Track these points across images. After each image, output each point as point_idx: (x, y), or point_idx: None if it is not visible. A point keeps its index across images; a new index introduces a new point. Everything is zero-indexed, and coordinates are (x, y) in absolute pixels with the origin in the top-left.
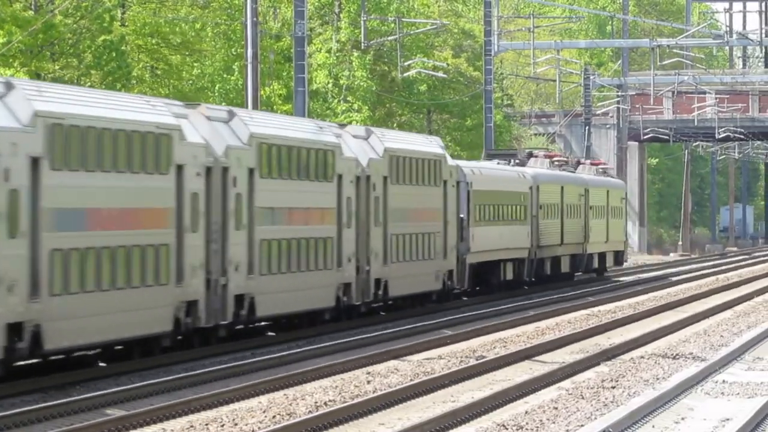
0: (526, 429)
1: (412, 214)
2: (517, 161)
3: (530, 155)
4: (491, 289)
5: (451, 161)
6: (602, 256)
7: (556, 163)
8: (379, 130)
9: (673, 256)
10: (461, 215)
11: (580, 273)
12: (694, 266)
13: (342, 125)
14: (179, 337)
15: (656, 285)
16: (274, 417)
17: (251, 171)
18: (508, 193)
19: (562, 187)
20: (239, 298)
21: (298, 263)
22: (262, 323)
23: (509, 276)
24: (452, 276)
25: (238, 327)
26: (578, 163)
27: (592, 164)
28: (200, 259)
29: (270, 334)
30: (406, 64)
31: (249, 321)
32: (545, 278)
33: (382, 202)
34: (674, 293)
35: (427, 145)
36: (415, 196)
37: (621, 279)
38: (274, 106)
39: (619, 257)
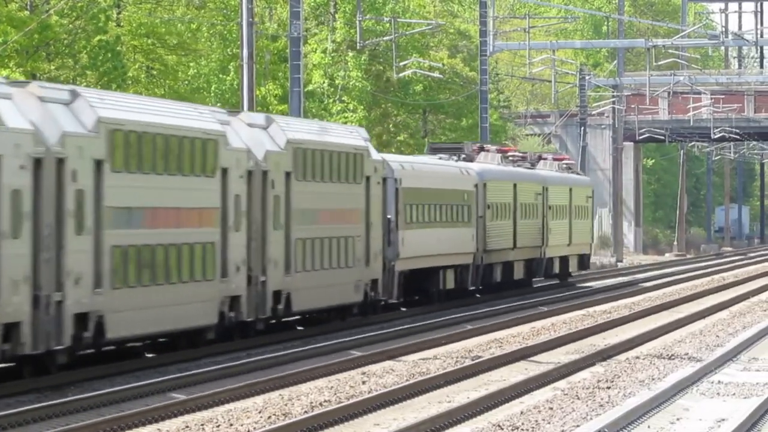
0: (522, 429)
1: (325, 216)
2: (463, 156)
3: (481, 149)
4: (431, 299)
5: (376, 155)
6: (564, 260)
7: (511, 158)
8: (284, 119)
9: (668, 256)
10: (388, 216)
11: (539, 279)
12: (689, 266)
13: (234, 111)
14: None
15: (651, 285)
16: (269, 417)
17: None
18: (448, 191)
19: (515, 185)
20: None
21: (166, 274)
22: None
23: (450, 284)
24: (377, 286)
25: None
26: (539, 158)
27: (555, 159)
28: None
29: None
30: (401, 64)
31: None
32: (495, 286)
33: (283, 202)
34: (670, 293)
35: (346, 136)
36: (328, 195)
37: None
38: (270, 107)
39: (584, 261)
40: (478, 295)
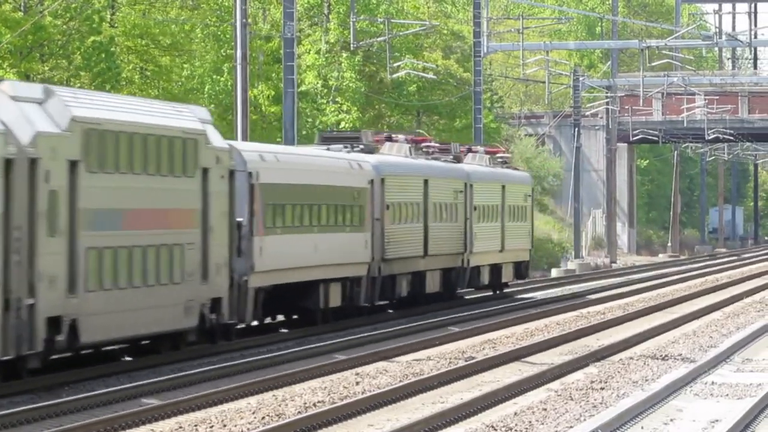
0: (515, 430)
1: (134, 219)
2: (361, 147)
3: (389, 139)
4: (313, 320)
5: (220, 142)
6: (495, 269)
7: (425, 149)
8: (73, 91)
9: (662, 257)
10: (238, 219)
11: (470, 291)
12: (683, 267)
13: None
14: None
15: (645, 286)
16: (263, 418)
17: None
18: (331, 188)
19: (427, 181)
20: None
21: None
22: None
23: (335, 301)
24: (220, 306)
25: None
26: (469, 150)
27: (487, 152)
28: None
29: None
30: (395, 65)
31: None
32: (401, 301)
33: (65, 200)
34: (663, 294)
35: (172, 116)
36: (139, 192)
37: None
38: (262, 108)
39: (521, 269)
40: (390, 311)
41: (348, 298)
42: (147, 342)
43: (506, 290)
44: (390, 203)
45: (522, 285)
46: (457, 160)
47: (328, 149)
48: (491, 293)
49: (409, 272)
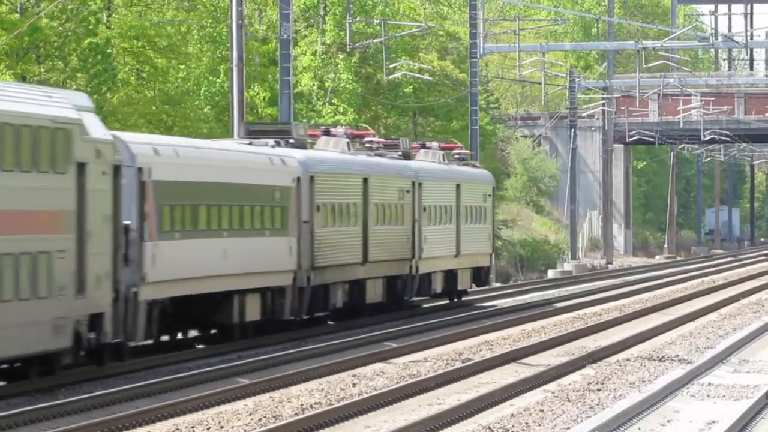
0: (512, 431)
1: None
2: (291, 141)
3: (326, 133)
4: (228, 335)
5: (101, 133)
6: (450, 275)
7: (367, 145)
8: None
9: (658, 259)
10: (125, 222)
11: (425, 299)
12: (679, 268)
13: None
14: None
15: (642, 287)
16: (260, 420)
17: None
18: (245, 187)
19: (366, 180)
20: None
21: None
22: None
23: (253, 315)
24: (102, 323)
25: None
26: (423, 146)
27: (443, 148)
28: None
29: None
30: (391, 66)
31: None
32: (338, 313)
33: None
34: (660, 296)
35: (39, 102)
36: None
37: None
38: (258, 109)
39: (481, 276)
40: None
41: (270, 311)
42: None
43: (466, 298)
44: (321, 204)
45: (491, 291)
46: (406, 156)
47: (251, 143)
48: (448, 302)
49: (345, 281)
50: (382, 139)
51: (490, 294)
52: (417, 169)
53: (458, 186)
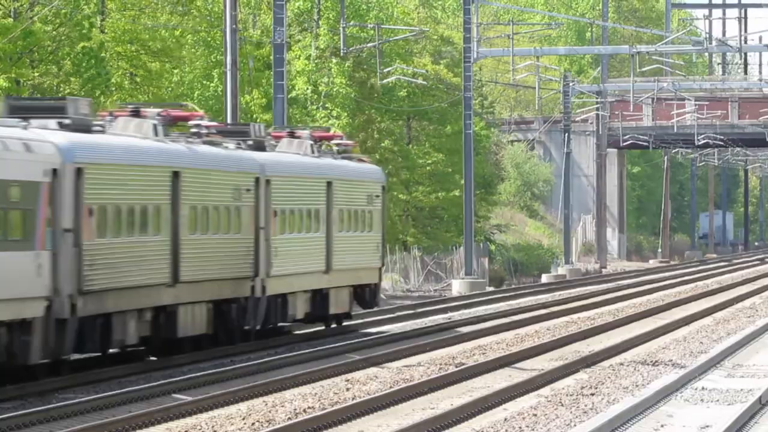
0: None
1: None
2: (68, 123)
3: (135, 114)
4: None
5: None
6: (319, 296)
7: (196, 130)
8: None
9: (652, 263)
10: None
11: (287, 325)
12: (673, 273)
13: None
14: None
15: (635, 292)
16: (253, 424)
17: None
18: None
19: (177, 174)
20: None
21: None
22: None
23: None
24: None
25: None
26: (291, 134)
27: (316, 137)
28: None
29: None
30: (385, 70)
31: None
32: (131, 352)
33: None
34: (653, 300)
35: None
36: None
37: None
38: (254, 115)
39: (366, 295)
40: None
41: (11, 355)
42: None
43: (350, 322)
44: (95, 205)
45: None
46: (259, 146)
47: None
48: (320, 328)
49: (143, 308)
50: (214, 123)
51: (481, 299)
52: (264, 162)
53: (329, 184)
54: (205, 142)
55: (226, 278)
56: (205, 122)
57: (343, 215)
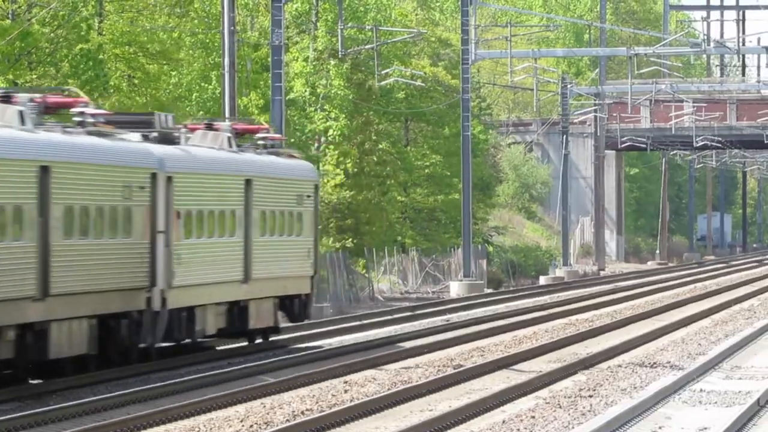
0: None
1: None
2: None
3: (6, 99)
4: None
5: None
6: (237, 309)
7: (80, 118)
8: None
9: (650, 265)
10: None
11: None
12: (671, 275)
13: None
14: None
15: (634, 293)
16: (251, 426)
17: None
18: None
19: (46, 170)
20: None
21: None
22: None
23: None
24: None
25: None
26: (208, 126)
27: (238, 129)
28: None
29: None
30: (383, 72)
31: None
32: None
33: None
34: (652, 302)
35: None
36: None
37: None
38: (252, 116)
39: (295, 307)
40: None
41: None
42: None
43: (278, 337)
44: None
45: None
46: (166, 139)
47: None
48: (248, 343)
49: (3, 326)
50: (103, 111)
51: (479, 301)
52: (164, 157)
53: (249, 182)
54: (90, 133)
55: (112, 289)
56: (90, 110)
57: (265, 217)
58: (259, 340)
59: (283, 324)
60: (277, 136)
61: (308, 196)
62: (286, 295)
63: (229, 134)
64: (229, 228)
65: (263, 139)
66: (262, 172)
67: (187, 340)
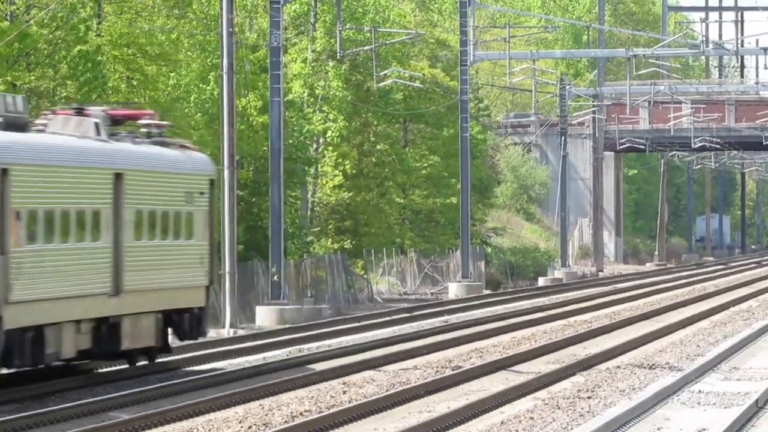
0: None
1: None
2: None
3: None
4: None
5: None
6: (107, 326)
7: None
8: None
9: (649, 266)
10: None
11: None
12: (670, 276)
13: None
14: None
15: (632, 295)
16: (249, 427)
17: None
18: None
19: None
20: None
21: None
22: None
23: None
24: None
25: None
26: (79, 111)
27: (110, 115)
28: None
29: None
30: (381, 74)
31: None
32: None
33: None
34: (650, 303)
35: None
36: None
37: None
38: (250, 117)
39: (186, 324)
40: None
41: None
42: None
43: (170, 357)
44: None
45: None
46: (11, 124)
47: None
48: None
49: None
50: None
51: (478, 302)
52: (1, 147)
53: (119, 176)
54: None
55: None
56: None
57: (142, 218)
58: (143, 362)
59: (178, 343)
60: (163, 123)
61: (201, 193)
62: (174, 309)
63: (97, 120)
64: (91, 231)
65: (146, 126)
66: (137, 165)
67: (40, 366)
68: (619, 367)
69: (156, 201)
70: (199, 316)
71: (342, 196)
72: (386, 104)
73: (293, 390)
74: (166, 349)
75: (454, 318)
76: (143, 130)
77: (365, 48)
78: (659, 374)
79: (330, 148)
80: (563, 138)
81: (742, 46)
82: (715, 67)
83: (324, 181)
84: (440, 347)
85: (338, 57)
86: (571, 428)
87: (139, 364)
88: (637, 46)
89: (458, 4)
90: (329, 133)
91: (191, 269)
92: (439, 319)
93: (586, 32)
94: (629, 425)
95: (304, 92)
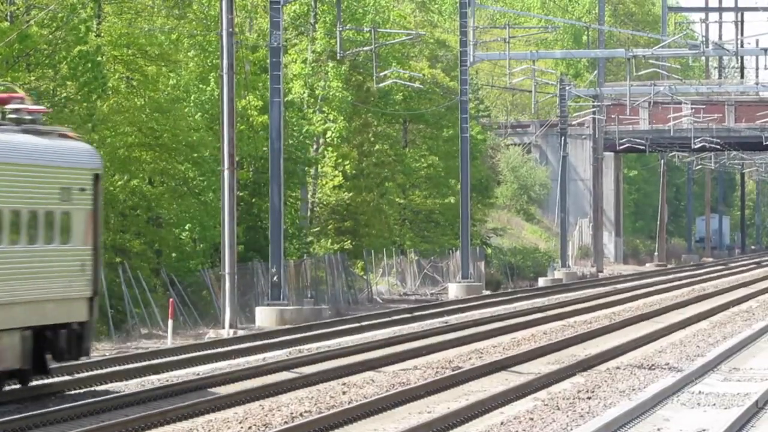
0: None
1: None
2: None
3: None
4: None
5: None
6: None
7: None
8: None
9: (649, 267)
10: None
11: None
12: (670, 277)
13: None
14: None
15: (632, 295)
16: (249, 428)
17: None
18: None
19: None
20: None
21: None
22: None
23: None
24: None
25: None
26: None
27: None
28: None
29: None
30: (381, 74)
31: None
32: None
33: None
34: (650, 303)
35: None
36: None
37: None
38: (250, 118)
39: (62, 341)
40: None
41: None
42: None
43: (49, 380)
44: None
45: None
46: None
47: None
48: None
49: None
50: None
51: (478, 302)
52: None
53: None
54: None
55: None
56: None
57: (1, 219)
58: (14, 386)
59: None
60: (39, 108)
61: (81, 190)
62: (47, 325)
63: None
64: None
65: (15, 111)
66: (3, 158)
67: None
68: (618, 367)
69: (19, 199)
70: (80, 332)
71: (342, 196)
72: (386, 105)
73: (293, 390)
74: (42, 370)
75: (454, 318)
76: (11, 116)
77: (365, 48)
78: (659, 375)
79: (330, 148)
80: (563, 138)
81: (741, 46)
82: (715, 67)
83: (324, 182)
84: (440, 348)
85: (338, 57)
86: (571, 429)
87: (6, 389)
88: (636, 47)
89: (458, 5)
90: (329, 133)
91: (68, 278)
92: (439, 320)
93: (585, 33)
94: (629, 426)
95: (304, 93)
